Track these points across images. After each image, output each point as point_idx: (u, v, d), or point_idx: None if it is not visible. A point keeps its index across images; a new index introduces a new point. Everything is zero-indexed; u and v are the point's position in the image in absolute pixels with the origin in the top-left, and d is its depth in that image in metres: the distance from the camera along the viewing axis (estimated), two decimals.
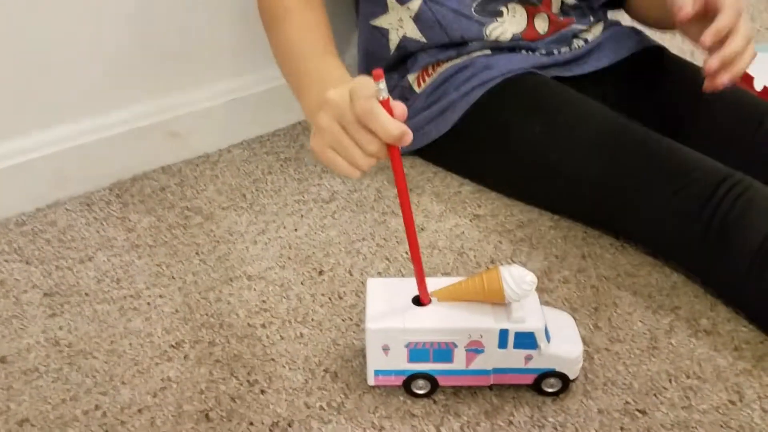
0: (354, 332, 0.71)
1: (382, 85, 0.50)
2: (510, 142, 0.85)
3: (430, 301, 0.62)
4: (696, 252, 0.72)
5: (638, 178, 0.76)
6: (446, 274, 0.79)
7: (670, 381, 0.65)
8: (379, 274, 0.79)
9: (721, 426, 0.61)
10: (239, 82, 1.03)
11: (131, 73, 0.94)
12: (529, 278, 0.59)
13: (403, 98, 0.94)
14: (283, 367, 0.67)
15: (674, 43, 1.11)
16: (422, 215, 0.88)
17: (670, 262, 0.79)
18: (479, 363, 0.61)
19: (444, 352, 0.61)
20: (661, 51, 0.95)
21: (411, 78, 0.93)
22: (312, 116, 0.67)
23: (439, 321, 0.60)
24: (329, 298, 0.76)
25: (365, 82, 0.53)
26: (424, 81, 0.92)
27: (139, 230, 0.87)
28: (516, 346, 0.60)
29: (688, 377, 0.65)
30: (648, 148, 0.77)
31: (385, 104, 0.51)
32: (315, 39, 0.77)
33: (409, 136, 0.52)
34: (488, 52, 0.89)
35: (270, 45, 0.84)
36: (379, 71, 0.50)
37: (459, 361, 0.61)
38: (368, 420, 0.62)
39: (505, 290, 0.59)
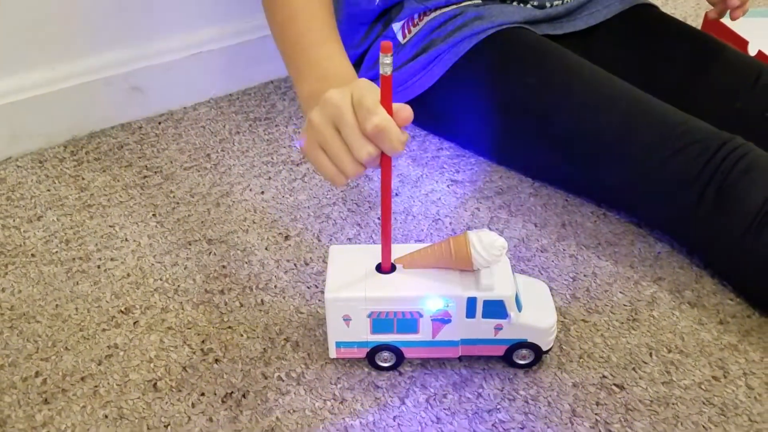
0: (319, 300, 0.67)
1: (389, 59, 0.47)
2: (499, 96, 0.81)
3: (391, 270, 0.57)
4: (688, 219, 0.68)
5: (632, 139, 0.71)
6: (420, 241, 0.75)
7: (650, 355, 0.61)
8: (349, 240, 0.75)
9: (704, 403, 0.57)
10: (208, 34, 0.98)
11: (90, 21, 0.88)
12: (499, 243, 0.54)
13: None
14: (241, 335, 0.63)
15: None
16: (398, 180, 0.83)
17: (655, 231, 0.75)
18: (446, 334, 0.57)
19: (409, 323, 0.57)
20: (651, 9, 0.91)
21: (396, 27, 0.88)
22: (306, 105, 0.63)
23: (403, 289, 0.56)
24: (294, 265, 0.71)
25: (370, 87, 0.50)
26: (409, 31, 0.87)
27: (92, 189, 0.82)
28: (485, 315, 0.56)
29: (669, 351, 0.62)
30: (643, 108, 0.73)
31: (386, 81, 0.48)
32: (320, 21, 0.70)
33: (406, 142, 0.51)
34: (479, 1, 0.84)
35: (267, 17, 0.75)
36: (387, 43, 0.46)
37: (425, 332, 0.57)
38: (329, 391, 0.58)
39: (473, 256, 0.55)
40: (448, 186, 0.83)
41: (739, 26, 1.02)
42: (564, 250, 0.73)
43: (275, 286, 0.69)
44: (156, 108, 0.96)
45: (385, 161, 0.52)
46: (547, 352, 0.59)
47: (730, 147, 0.66)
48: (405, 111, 0.50)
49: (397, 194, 0.81)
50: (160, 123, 0.94)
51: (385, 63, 0.47)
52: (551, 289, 0.67)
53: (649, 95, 0.74)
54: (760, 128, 0.77)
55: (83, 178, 0.84)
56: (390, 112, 0.49)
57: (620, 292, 0.68)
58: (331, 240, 0.75)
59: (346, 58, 0.66)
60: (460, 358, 0.60)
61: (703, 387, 0.59)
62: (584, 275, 0.70)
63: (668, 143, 0.69)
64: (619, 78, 0.77)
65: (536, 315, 0.57)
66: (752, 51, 0.99)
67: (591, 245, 0.74)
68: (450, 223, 0.77)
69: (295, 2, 0.69)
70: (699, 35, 0.87)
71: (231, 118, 0.96)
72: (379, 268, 0.58)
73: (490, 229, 0.75)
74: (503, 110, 0.81)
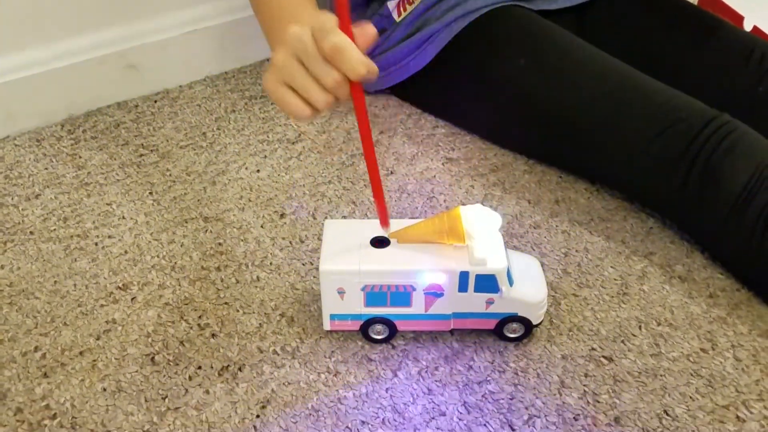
0: (314, 276, 0.68)
1: None
2: (492, 76, 0.81)
3: (385, 244, 0.58)
4: (675, 196, 0.69)
5: (621, 118, 0.72)
6: (414, 218, 0.75)
7: (639, 328, 0.62)
8: (344, 217, 0.76)
9: (691, 374, 0.58)
10: (203, 12, 0.98)
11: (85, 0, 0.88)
12: (492, 218, 0.55)
13: (381, 28, 0.89)
14: (237, 311, 0.64)
15: None
16: (393, 158, 0.84)
17: (647, 207, 0.75)
18: (439, 307, 0.58)
19: (402, 296, 0.58)
20: None
21: (391, 5, 0.88)
22: None
23: (396, 263, 0.57)
24: (290, 242, 0.72)
25: (330, 15, 0.50)
26: (404, 9, 0.87)
27: (89, 167, 0.82)
28: (477, 289, 0.57)
29: (659, 324, 0.63)
30: (632, 87, 0.73)
31: (340, 3, 0.47)
32: None
33: (374, 72, 0.50)
34: None
35: None
36: None
37: (418, 305, 0.58)
38: (323, 365, 0.59)
39: (466, 231, 0.55)
40: (443, 164, 0.83)
41: (736, 1, 1.01)
42: (557, 226, 0.74)
43: (271, 263, 0.69)
44: (152, 86, 0.96)
45: (354, 90, 0.51)
46: (537, 325, 0.60)
47: (715, 125, 0.67)
48: (368, 28, 0.49)
49: (392, 172, 0.82)
50: (155, 101, 0.95)
51: None
52: (543, 264, 0.68)
53: (638, 72, 0.75)
54: (753, 103, 0.77)
55: (80, 157, 0.85)
56: (350, 35, 0.49)
57: (611, 267, 0.68)
58: (326, 217, 0.75)
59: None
60: (451, 332, 0.61)
61: (691, 359, 0.60)
62: (576, 250, 0.70)
63: (654, 122, 0.69)
64: (612, 53, 0.77)
65: (527, 289, 0.58)
66: (748, 26, 0.99)
67: (584, 221, 0.74)
68: (444, 201, 0.78)
69: None
70: (695, 11, 0.87)
71: (226, 97, 0.96)
72: (374, 242, 0.59)
73: (483, 205, 0.76)
74: (494, 90, 0.81)
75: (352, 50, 0.49)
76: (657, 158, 0.69)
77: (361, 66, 0.49)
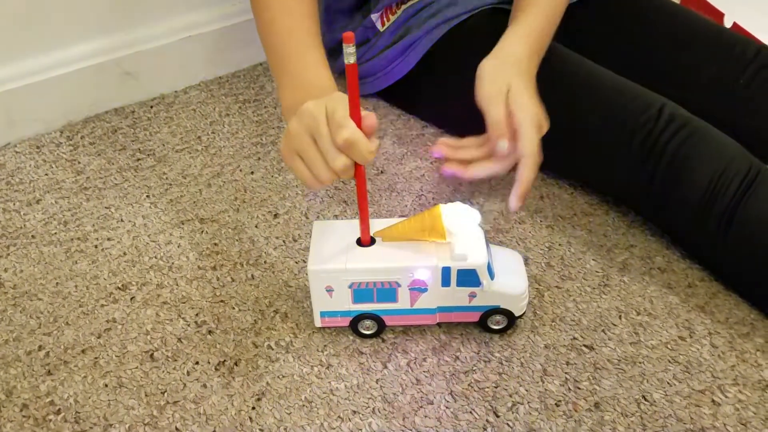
0: (306, 274, 0.70)
1: (351, 49, 0.50)
2: (465, 83, 0.83)
3: (370, 243, 0.61)
4: (643, 198, 0.71)
5: (587, 123, 0.73)
6: (403, 216, 0.77)
7: (619, 317, 0.65)
8: (336, 217, 0.78)
9: (669, 361, 0.60)
10: (197, 18, 0.99)
11: (81, 9, 0.90)
12: (471, 215, 0.57)
13: (365, 38, 0.91)
14: (233, 308, 0.67)
15: None
16: (383, 158, 0.86)
17: (623, 205, 0.77)
18: (424, 302, 0.61)
19: (388, 292, 0.60)
20: None
21: (375, 17, 0.90)
22: (287, 114, 0.66)
23: (380, 261, 0.59)
24: (283, 241, 0.74)
25: (342, 100, 0.54)
26: (388, 19, 0.89)
27: (88, 172, 0.85)
28: (459, 283, 0.59)
29: (638, 314, 0.65)
30: (597, 88, 0.74)
31: (351, 69, 0.51)
32: (301, 29, 0.71)
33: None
34: None
35: (255, 20, 0.75)
36: (349, 34, 0.49)
37: (403, 301, 0.61)
38: (316, 358, 0.61)
39: (446, 228, 0.57)
40: (431, 163, 0.85)
41: None
42: (541, 221, 0.76)
43: (265, 262, 0.72)
44: (148, 92, 0.98)
45: (358, 170, 0.56)
46: (519, 317, 0.62)
47: (676, 125, 0.68)
48: (369, 119, 0.53)
49: (382, 172, 0.84)
50: (152, 107, 0.97)
51: (349, 53, 0.50)
52: (528, 258, 0.71)
53: (608, 73, 0.76)
54: (735, 95, 0.78)
55: (79, 162, 0.87)
56: (358, 115, 0.52)
57: (593, 260, 0.71)
58: (318, 217, 0.78)
59: (325, 67, 0.68)
60: (439, 325, 0.64)
61: (669, 346, 0.62)
62: (559, 244, 0.73)
63: (619, 123, 0.71)
64: (598, 53, 0.79)
65: (508, 282, 0.60)
66: (728, 23, 1.01)
67: (567, 216, 0.77)
68: (433, 199, 0.80)
69: (275, 7, 0.70)
70: (679, 10, 0.89)
71: (221, 101, 0.99)
72: (360, 242, 0.61)
73: (470, 203, 0.78)
74: (468, 97, 0.83)
75: (362, 141, 0.53)
76: (622, 163, 0.71)
77: (370, 155, 0.53)
